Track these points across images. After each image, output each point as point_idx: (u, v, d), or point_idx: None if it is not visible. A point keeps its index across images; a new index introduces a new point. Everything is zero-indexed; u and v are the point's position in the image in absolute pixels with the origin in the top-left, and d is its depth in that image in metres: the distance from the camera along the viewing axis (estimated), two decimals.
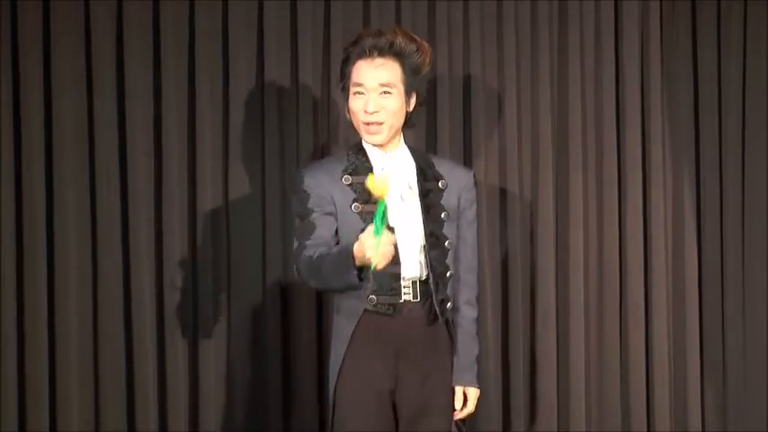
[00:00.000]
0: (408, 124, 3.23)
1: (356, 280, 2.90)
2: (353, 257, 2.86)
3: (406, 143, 3.26)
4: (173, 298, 3.88)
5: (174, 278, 3.88)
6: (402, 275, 3.11)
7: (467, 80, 4.13)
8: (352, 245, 2.86)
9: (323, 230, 3.08)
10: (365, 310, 3.10)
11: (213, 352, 3.90)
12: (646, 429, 4.26)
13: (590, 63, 4.24)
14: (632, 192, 4.25)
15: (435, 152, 4.07)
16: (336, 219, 3.10)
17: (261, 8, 3.96)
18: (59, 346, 3.82)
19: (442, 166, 3.26)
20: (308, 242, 3.07)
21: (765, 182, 4.32)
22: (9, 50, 3.78)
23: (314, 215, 3.09)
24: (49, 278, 3.81)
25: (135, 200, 3.85)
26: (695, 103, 4.34)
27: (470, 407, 3.24)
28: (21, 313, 3.80)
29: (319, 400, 3.90)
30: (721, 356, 4.35)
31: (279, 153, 3.96)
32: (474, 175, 3.34)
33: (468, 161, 4.12)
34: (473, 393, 3.24)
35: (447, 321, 3.21)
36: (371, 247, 2.80)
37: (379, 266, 2.84)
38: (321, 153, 3.96)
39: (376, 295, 3.09)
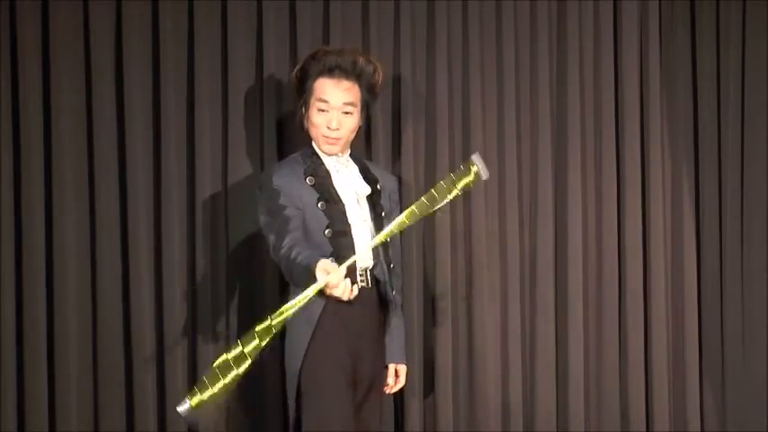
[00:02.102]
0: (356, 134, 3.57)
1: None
2: (310, 278, 3.13)
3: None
4: (172, 297, 3.88)
5: (174, 277, 3.88)
6: (359, 265, 3.39)
7: (465, 80, 4.13)
8: (315, 266, 3.11)
9: (297, 222, 3.33)
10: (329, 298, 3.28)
11: (212, 351, 3.90)
12: (645, 429, 4.26)
13: (589, 63, 4.24)
14: (631, 191, 4.25)
15: (435, 153, 4.08)
16: (303, 215, 3.36)
17: (260, 8, 3.96)
18: (59, 347, 3.81)
19: (376, 170, 3.61)
20: (286, 234, 3.29)
21: (765, 181, 4.33)
22: (8, 50, 3.78)
23: (287, 210, 3.33)
24: (48, 278, 3.81)
25: (134, 199, 3.85)
26: (694, 103, 4.35)
27: (402, 381, 3.61)
28: (20, 313, 3.79)
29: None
30: (720, 356, 4.35)
31: (278, 151, 3.96)
32: (398, 179, 3.75)
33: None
34: (404, 369, 3.60)
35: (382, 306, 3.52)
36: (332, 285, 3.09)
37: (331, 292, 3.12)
38: None
39: None
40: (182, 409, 3.03)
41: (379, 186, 3.53)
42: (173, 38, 3.87)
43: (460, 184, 3.23)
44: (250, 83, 3.95)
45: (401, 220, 3.15)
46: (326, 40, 4.00)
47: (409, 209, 3.17)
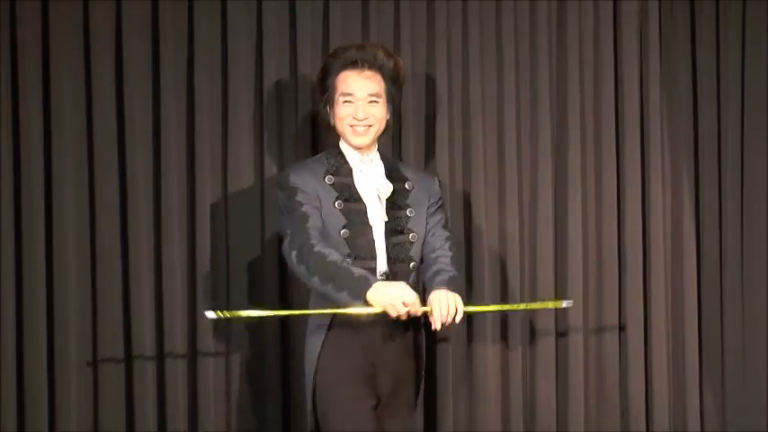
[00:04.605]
0: (384, 130, 3.49)
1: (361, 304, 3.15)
2: (366, 290, 3.15)
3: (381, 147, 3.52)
4: (172, 297, 3.88)
5: (174, 277, 3.88)
6: (378, 270, 3.33)
7: (465, 80, 4.13)
8: (372, 278, 3.17)
9: (315, 220, 3.28)
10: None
11: (212, 351, 3.90)
12: (645, 430, 4.26)
13: (589, 63, 4.24)
14: (631, 191, 4.25)
15: (435, 153, 4.08)
16: (321, 214, 3.31)
17: (260, 8, 3.97)
18: (59, 347, 3.82)
19: (408, 170, 3.54)
20: (308, 230, 3.25)
21: (765, 182, 4.32)
22: (8, 50, 3.78)
23: (304, 207, 3.29)
24: (48, 278, 3.81)
25: (134, 199, 3.85)
26: (694, 103, 4.34)
27: (448, 308, 3.22)
28: (20, 313, 3.80)
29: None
30: (720, 357, 4.35)
31: (278, 150, 3.97)
32: (439, 183, 3.63)
33: (467, 161, 4.12)
34: (444, 297, 3.24)
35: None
36: (397, 301, 3.14)
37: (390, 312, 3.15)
38: (318, 150, 3.95)
39: None
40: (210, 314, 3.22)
41: (407, 186, 3.44)
42: (173, 38, 3.87)
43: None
44: (250, 83, 3.95)
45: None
46: (326, 39, 4.00)
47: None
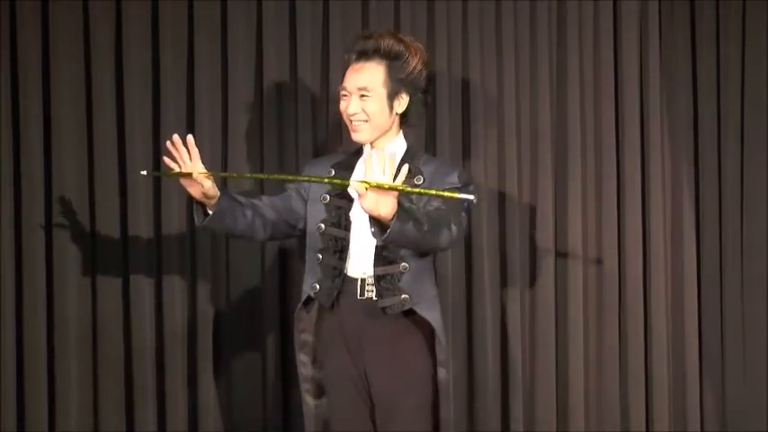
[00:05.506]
0: (407, 124, 3.33)
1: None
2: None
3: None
4: (171, 298, 3.88)
5: (173, 277, 3.88)
6: (343, 269, 3.22)
7: (465, 80, 4.13)
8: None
9: (282, 198, 3.31)
10: (308, 296, 3.28)
11: (212, 350, 3.90)
12: (644, 430, 4.25)
13: (589, 64, 4.24)
14: (631, 192, 4.24)
15: (435, 152, 4.07)
16: (305, 203, 3.29)
17: (260, 8, 3.97)
18: (59, 346, 3.82)
19: (430, 164, 3.30)
20: (275, 196, 3.33)
21: (765, 182, 4.32)
22: (8, 50, 3.79)
23: (287, 185, 3.35)
24: (48, 278, 3.82)
25: (134, 199, 3.86)
26: (694, 103, 4.33)
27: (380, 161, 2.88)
28: (20, 313, 3.80)
29: None
30: (720, 357, 4.35)
31: (277, 150, 3.97)
32: (459, 174, 3.27)
33: (466, 161, 4.12)
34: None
35: (414, 314, 3.23)
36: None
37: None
38: (318, 151, 3.96)
39: (319, 285, 3.25)
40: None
41: (416, 180, 3.21)
42: (173, 38, 3.88)
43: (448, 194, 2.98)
44: (250, 83, 3.96)
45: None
46: (326, 40, 4.00)
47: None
